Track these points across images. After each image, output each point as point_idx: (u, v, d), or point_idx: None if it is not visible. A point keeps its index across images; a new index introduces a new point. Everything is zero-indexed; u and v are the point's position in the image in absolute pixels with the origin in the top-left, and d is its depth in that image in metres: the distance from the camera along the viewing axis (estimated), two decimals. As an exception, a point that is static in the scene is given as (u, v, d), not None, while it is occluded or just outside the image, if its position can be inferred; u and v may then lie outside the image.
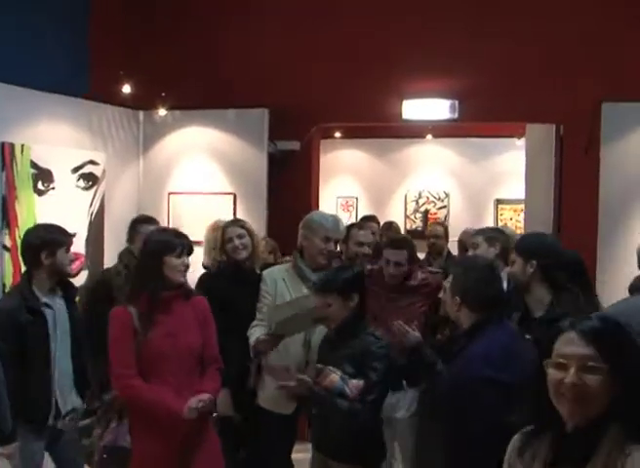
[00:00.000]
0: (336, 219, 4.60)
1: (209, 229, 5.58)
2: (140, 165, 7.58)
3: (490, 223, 10.03)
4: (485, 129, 9.63)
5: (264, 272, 4.66)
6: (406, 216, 11.08)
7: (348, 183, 11.50)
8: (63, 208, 6.09)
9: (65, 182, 6.23)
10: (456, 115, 6.97)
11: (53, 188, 6.03)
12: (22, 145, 5.73)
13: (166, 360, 3.67)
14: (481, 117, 7.39)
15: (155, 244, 3.82)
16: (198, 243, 6.35)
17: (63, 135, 6.30)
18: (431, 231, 7.42)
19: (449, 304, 3.47)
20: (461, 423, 3.17)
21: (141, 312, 3.67)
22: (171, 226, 7.30)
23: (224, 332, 4.11)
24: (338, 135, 10.91)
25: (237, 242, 4.84)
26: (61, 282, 4.17)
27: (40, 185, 5.90)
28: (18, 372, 3.80)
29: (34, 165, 5.83)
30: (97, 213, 6.69)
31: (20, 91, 5.73)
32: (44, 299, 4.03)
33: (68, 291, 4.22)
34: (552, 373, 1.89)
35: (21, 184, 5.72)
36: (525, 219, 7.09)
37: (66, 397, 4.11)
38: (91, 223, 6.59)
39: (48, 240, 4.03)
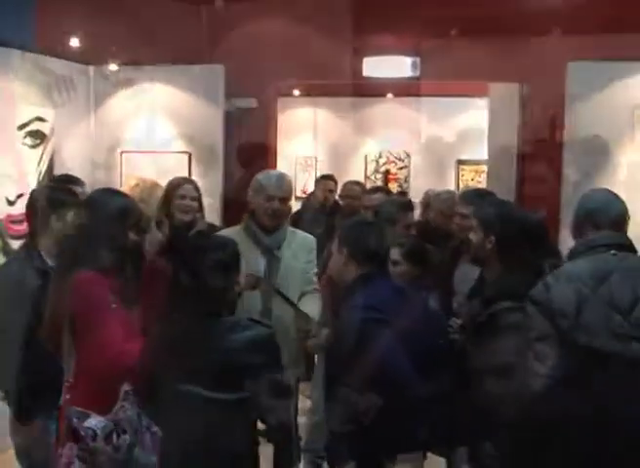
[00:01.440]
0: (280, 177, 4.33)
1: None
2: (91, 122, 7.30)
3: (451, 184, 9.94)
4: (447, 88, 9.40)
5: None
6: (366, 177, 10.91)
7: (308, 143, 11.30)
8: (8, 167, 5.81)
9: (10, 140, 5.94)
10: (417, 73, 6.81)
11: (-8, 147, 5.75)
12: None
13: None
14: (443, 75, 7.21)
15: None
16: None
17: (8, 90, 5.97)
18: (346, 191, 6.64)
19: (335, 258, 3.54)
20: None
21: None
22: (124, 186, 7.11)
23: None
24: (297, 92, 10.66)
25: (189, 202, 4.62)
26: None
27: (-22, 143, 5.61)
28: (32, 345, 3.45)
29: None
30: (45, 172, 6.41)
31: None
32: (51, 265, 3.66)
33: None
34: None
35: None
36: (487, 180, 6.99)
37: None
38: (39, 183, 6.31)
39: (58, 202, 3.74)
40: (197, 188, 4.73)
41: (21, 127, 6.07)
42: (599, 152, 6.19)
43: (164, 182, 6.91)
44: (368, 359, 3.12)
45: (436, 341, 3.41)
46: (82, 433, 2.83)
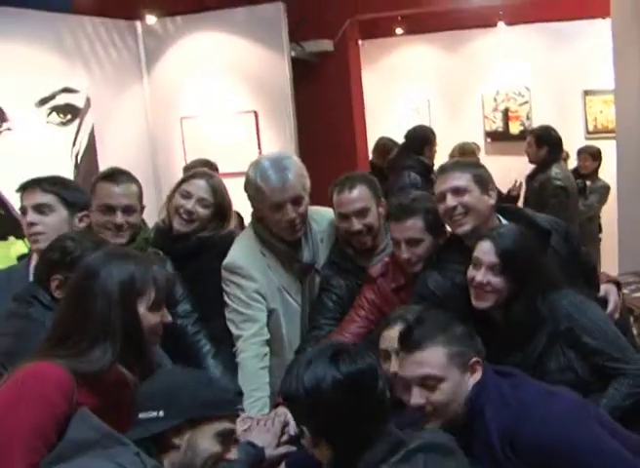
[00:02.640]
0: (281, 169, 3.02)
1: None
2: (144, 87, 6.31)
3: (579, 118, 8.65)
4: (564, 9, 8.20)
5: (235, 258, 3.17)
6: (484, 117, 9.69)
7: (417, 85, 10.17)
8: (28, 151, 4.89)
9: (28, 120, 5.00)
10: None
11: (8, 129, 4.82)
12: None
13: None
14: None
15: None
16: (225, 175, 5.20)
17: (17, 59, 4.95)
18: None
19: None
20: None
21: None
22: (188, 156, 6.15)
23: None
24: (399, 31, 9.66)
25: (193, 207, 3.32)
26: None
27: (-16, 128, 4.70)
28: None
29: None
30: (85, 152, 5.47)
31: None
32: None
33: None
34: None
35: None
36: (616, 112, 5.62)
37: None
38: (77, 166, 5.38)
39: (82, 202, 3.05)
40: (215, 187, 3.36)
41: (43, 102, 5.11)
42: None
43: (230, 152, 6.04)
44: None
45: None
46: None
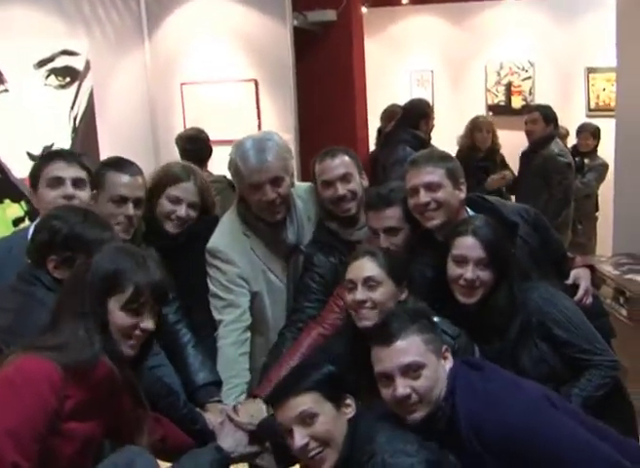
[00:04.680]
0: (260, 149, 2.98)
1: None
2: (145, 52, 6.26)
3: (581, 95, 8.50)
4: None
5: (217, 242, 3.14)
6: (487, 90, 9.61)
7: (422, 55, 10.08)
8: (25, 114, 4.88)
9: (26, 81, 4.97)
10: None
11: (5, 91, 4.78)
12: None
13: None
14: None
15: None
16: (219, 142, 5.19)
17: (16, 20, 4.92)
18: None
19: None
20: None
21: None
22: (187, 123, 6.12)
23: None
24: (405, 0, 9.51)
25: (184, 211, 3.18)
26: None
27: (-18, 88, 4.67)
28: None
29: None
30: (83, 116, 5.44)
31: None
32: None
33: None
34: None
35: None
36: (617, 90, 5.57)
37: None
38: (75, 130, 5.36)
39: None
40: (202, 185, 3.22)
41: (42, 63, 5.07)
42: None
43: (229, 119, 6.00)
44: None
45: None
46: None
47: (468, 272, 2.52)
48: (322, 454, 2.16)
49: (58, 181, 2.80)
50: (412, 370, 2.18)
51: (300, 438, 2.14)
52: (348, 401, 2.26)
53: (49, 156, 2.97)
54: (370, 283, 2.59)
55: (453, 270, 2.56)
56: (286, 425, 2.18)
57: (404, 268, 2.66)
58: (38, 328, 2.15)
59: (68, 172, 2.82)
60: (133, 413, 2.19)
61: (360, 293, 2.58)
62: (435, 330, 2.31)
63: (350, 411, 2.24)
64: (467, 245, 2.55)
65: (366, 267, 2.62)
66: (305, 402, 2.16)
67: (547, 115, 6.07)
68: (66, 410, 1.89)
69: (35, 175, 2.85)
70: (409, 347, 2.19)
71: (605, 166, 6.61)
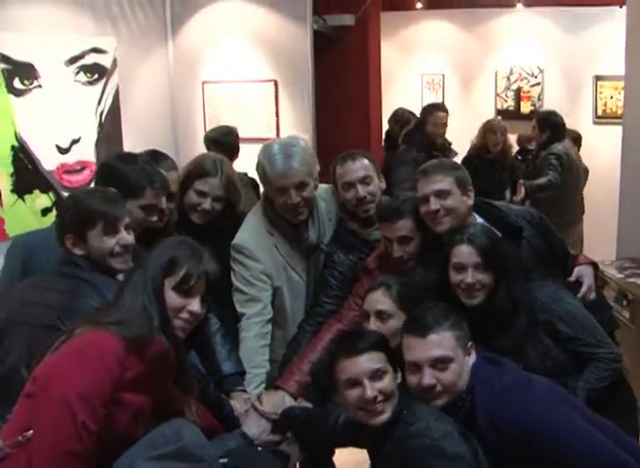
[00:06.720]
0: (287, 155, 3.11)
1: None
2: (169, 51, 6.46)
3: (588, 102, 8.70)
4: None
5: (242, 238, 3.27)
6: (496, 95, 9.77)
7: (433, 59, 10.22)
8: (55, 109, 5.08)
9: (58, 77, 5.16)
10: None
11: (39, 86, 4.98)
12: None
13: None
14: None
15: None
16: (242, 140, 5.37)
17: (50, 18, 5.15)
18: None
19: None
20: None
21: None
22: (207, 120, 6.32)
23: None
24: (419, 5, 9.70)
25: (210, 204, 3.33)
26: None
27: (18, 83, 4.84)
28: None
29: (5, 58, 4.73)
30: (109, 111, 5.63)
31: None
32: None
33: None
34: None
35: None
36: (624, 98, 5.73)
37: None
38: (101, 125, 5.56)
39: None
40: (228, 180, 3.34)
41: (72, 60, 5.27)
42: None
43: (248, 118, 6.19)
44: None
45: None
46: None
47: (468, 277, 2.67)
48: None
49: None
50: (440, 362, 2.35)
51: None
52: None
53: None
54: (382, 316, 2.77)
55: (454, 277, 2.71)
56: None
57: (417, 299, 2.77)
58: (89, 305, 2.36)
59: None
60: (180, 396, 2.37)
61: (372, 324, 2.76)
62: (464, 327, 2.48)
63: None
64: (464, 252, 2.70)
65: (379, 300, 2.80)
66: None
67: (541, 122, 6.21)
68: (125, 381, 2.05)
69: None
70: (441, 341, 2.37)
71: (585, 170, 6.73)
